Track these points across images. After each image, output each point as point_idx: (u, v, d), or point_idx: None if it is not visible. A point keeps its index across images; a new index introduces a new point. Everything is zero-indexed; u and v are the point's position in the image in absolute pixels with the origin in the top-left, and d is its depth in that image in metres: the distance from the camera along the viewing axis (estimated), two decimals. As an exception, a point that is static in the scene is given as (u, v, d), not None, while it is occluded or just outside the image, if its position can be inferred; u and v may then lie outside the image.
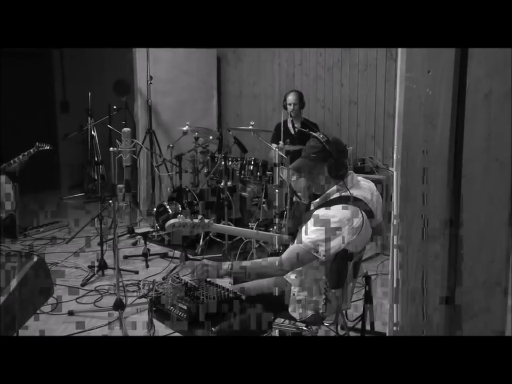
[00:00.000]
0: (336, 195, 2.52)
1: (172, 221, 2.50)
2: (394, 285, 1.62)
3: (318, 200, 2.60)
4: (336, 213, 2.40)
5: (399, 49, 1.56)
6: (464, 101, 1.51)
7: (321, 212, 2.44)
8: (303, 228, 2.48)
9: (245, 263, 2.57)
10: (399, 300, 1.64)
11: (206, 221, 2.55)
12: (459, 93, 1.51)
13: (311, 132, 5.11)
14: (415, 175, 1.59)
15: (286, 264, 2.44)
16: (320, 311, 2.55)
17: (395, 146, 1.65)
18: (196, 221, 2.53)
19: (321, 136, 2.55)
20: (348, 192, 2.46)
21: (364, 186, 2.59)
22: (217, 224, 2.64)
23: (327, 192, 2.55)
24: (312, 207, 2.63)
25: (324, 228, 2.37)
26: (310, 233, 2.40)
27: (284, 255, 2.47)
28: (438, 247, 1.60)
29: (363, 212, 2.42)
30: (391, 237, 1.63)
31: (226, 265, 2.46)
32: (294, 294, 2.59)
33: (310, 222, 2.44)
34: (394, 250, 1.65)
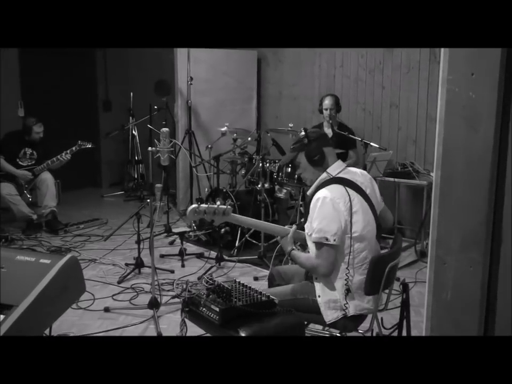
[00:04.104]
0: (324, 179, 2.63)
1: (191, 206, 2.52)
2: (432, 294, 1.57)
3: (311, 189, 2.71)
4: (325, 193, 2.50)
5: (442, 51, 1.51)
6: (510, 105, 1.45)
7: (314, 198, 2.55)
8: (308, 220, 2.60)
9: (299, 254, 2.67)
10: (436, 310, 1.59)
11: (223, 207, 2.55)
12: (504, 96, 1.45)
13: (350, 135, 5.11)
14: (455, 180, 1.54)
15: (317, 262, 2.51)
16: (343, 311, 2.51)
17: (435, 151, 1.60)
18: (214, 206, 2.53)
19: (301, 129, 2.74)
20: (333, 175, 2.60)
21: (353, 171, 2.70)
22: (235, 214, 2.66)
23: (318, 179, 2.66)
24: (308, 199, 2.73)
25: (321, 212, 2.48)
26: (313, 223, 2.52)
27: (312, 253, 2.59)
28: (478, 255, 1.54)
29: (349, 189, 2.51)
30: (430, 244, 1.58)
31: (290, 246, 2.65)
32: (319, 296, 2.57)
33: (310, 212, 2.56)
34: (432, 258, 1.60)
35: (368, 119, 6.01)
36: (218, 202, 2.60)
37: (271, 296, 2.36)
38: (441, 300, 1.58)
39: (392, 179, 5.02)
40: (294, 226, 2.76)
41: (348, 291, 2.50)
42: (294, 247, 2.67)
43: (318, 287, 2.60)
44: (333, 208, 2.46)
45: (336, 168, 2.64)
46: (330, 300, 2.54)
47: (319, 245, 2.49)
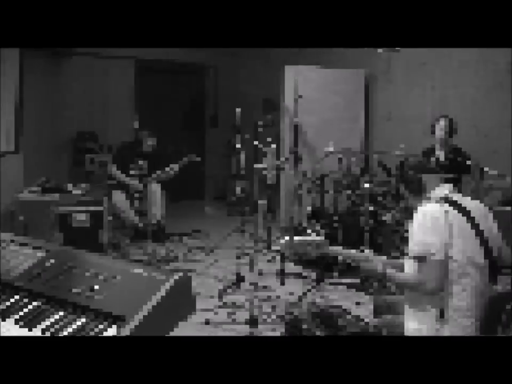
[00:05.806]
0: (428, 200, 2.52)
1: (284, 240, 2.46)
2: None
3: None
4: (424, 209, 2.40)
5: None
6: None
7: (414, 216, 2.44)
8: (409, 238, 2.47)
9: (397, 273, 2.52)
10: None
11: (318, 238, 2.48)
12: None
13: (464, 160, 4.83)
14: None
15: (422, 276, 2.33)
16: None
17: None
18: (307, 238, 2.47)
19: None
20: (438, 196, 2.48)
21: (460, 195, 2.56)
22: (332, 247, 2.57)
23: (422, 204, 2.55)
24: None
25: (421, 225, 2.35)
26: (413, 237, 2.38)
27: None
28: None
29: (450, 208, 2.36)
30: None
31: (381, 266, 2.50)
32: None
33: (410, 229, 2.44)
34: None
35: (483, 143, 5.68)
36: (313, 234, 2.54)
37: (378, 327, 2.26)
38: None
39: (510, 208, 4.68)
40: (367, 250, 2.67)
41: (441, 321, 2.33)
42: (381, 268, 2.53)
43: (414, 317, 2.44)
44: (433, 221, 2.33)
45: (442, 191, 2.54)
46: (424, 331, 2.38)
47: (422, 258, 2.32)
